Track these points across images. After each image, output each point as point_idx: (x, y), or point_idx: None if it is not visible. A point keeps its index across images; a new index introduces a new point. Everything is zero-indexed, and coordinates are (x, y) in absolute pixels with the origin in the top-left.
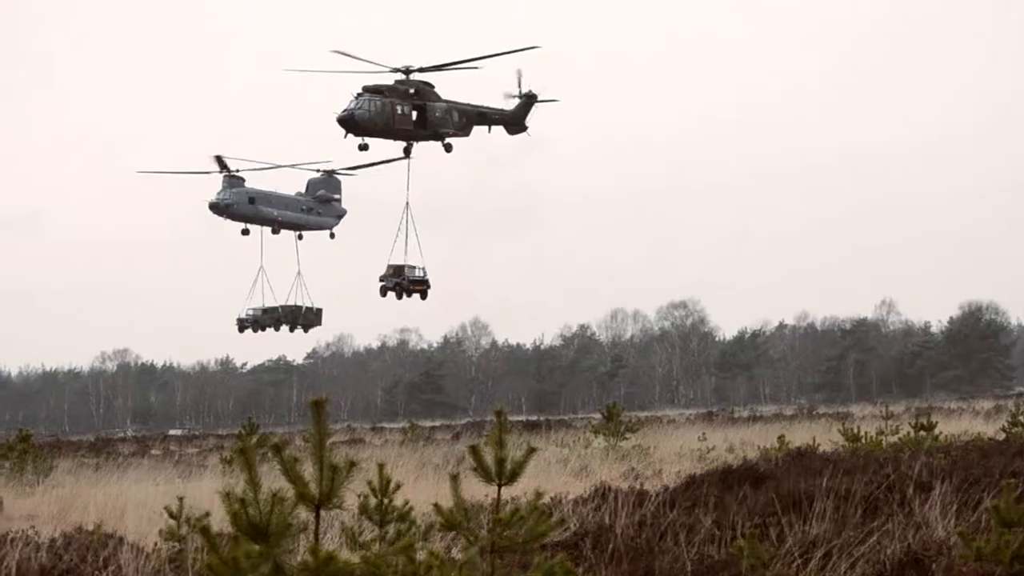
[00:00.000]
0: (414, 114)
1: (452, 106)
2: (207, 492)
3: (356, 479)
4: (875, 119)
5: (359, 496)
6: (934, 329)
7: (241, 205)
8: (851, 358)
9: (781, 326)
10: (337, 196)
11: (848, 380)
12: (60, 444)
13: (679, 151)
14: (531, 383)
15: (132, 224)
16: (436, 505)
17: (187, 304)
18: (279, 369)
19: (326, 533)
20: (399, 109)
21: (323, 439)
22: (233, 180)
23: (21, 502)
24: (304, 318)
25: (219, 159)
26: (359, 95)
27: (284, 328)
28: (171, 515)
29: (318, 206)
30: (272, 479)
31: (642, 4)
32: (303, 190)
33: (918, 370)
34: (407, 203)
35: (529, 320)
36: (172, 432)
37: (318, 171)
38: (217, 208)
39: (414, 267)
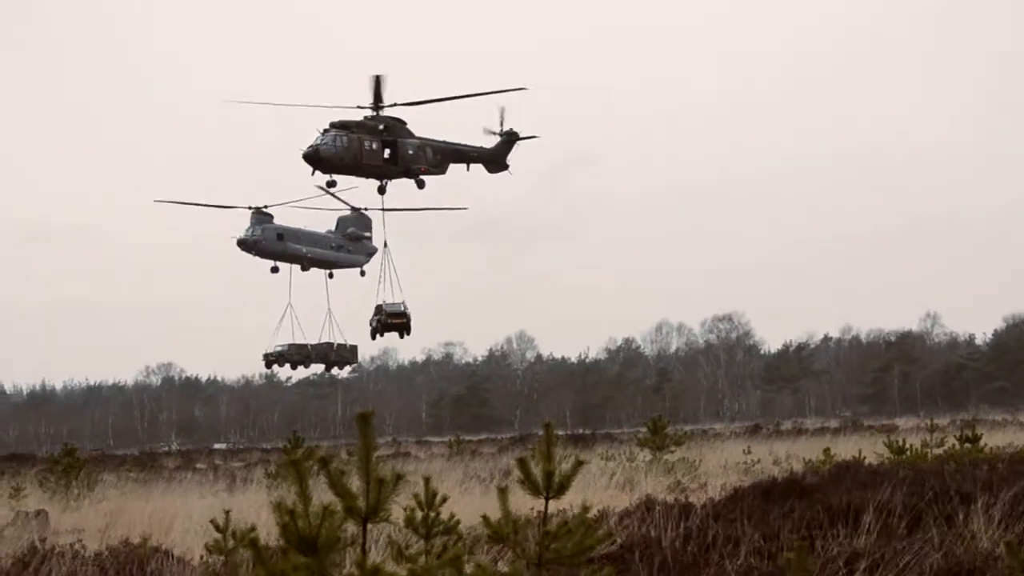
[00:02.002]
0: (385, 151)
1: (426, 143)
2: (252, 506)
3: (402, 492)
4: (917, 132)
5: (405, 509)
6: (978, 341)
7: (269, 242)
8: (896, 371)
9: (826, 339)
10: (368, 234)
11: (893, 393)
12: (105, 458)
13: (724, 163)
14: (576, 396)
15: (177, 238)
16: (484, 517)
17: (232, 318)
18: (324, 383)
19: (373, 546)
20: (367, 145)
21: (370, 452)
22: (261, 216)
23: (67, 516)
24: (337, 354)
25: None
26: (326, 131)
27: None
28: (217, 528)
29: (348, 244)
30: (318, 492)
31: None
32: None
33: (963, 382)
34: (384, 243)
35: (574, 333)
36: (217, 446)
37: (349, 208)
38: (245, 245)
39: (394, 303)
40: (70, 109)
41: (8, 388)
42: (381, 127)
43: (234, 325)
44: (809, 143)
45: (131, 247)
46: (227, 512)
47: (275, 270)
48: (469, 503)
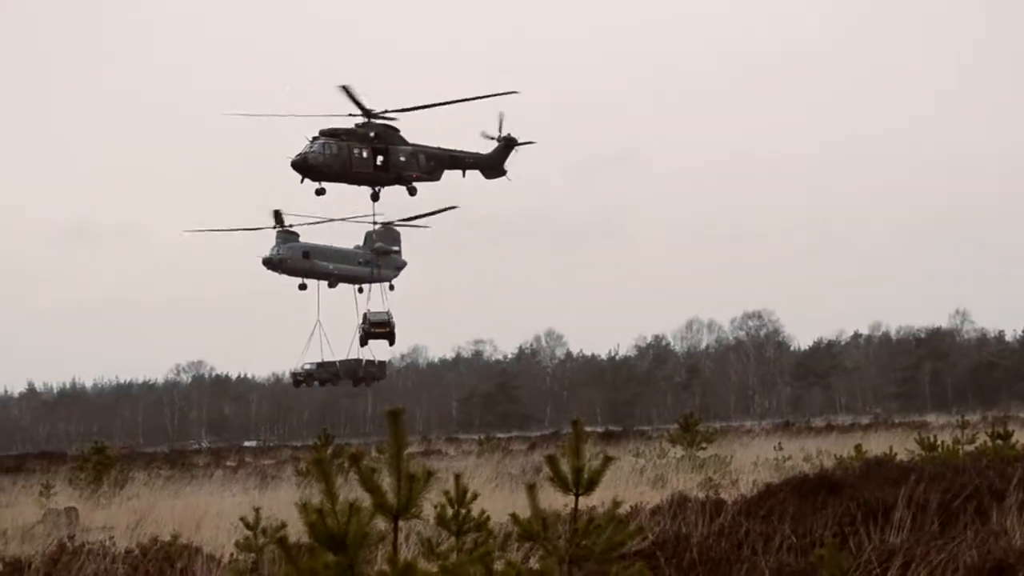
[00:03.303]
0: (378, 158)
1: (418, 150)
2: (283, 503)
3: (433, 489)
4: (950, 132)
5: (436, 506)
6: (1008, 338)
7: (296, 260)
8: (926, 367)
9: (856, 336)
10: (396, 248)
11: (923, 389)
12: (135, 456)
13: (753, 161)
14: (606, 394)
15: (207, 236)
16: (513, 515)
17: (262, 316)
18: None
19: (403, 544)
20: (357, 152)
21: (401, 449)
22: (287, 235)
23: (97, 514)
24: (365, 371)
25: (277, 214)
26: (315, 139)
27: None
28: (247, 526)
29: (376, 258)
30: (348, 490)
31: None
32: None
33: (994, 379)
34: (374, 250)
35: (604, 330)
36: (247, 444)
37: (376, 223)
38: (271, 263)
39: (379, 312)
40: (113, 110)
41: (39, 386)
42: (372, 134)
43: (264, 323)
44: (839, 139)
45: (161, 246)
46: (257, 510)
47: (303, 287)
48: (500, 500)
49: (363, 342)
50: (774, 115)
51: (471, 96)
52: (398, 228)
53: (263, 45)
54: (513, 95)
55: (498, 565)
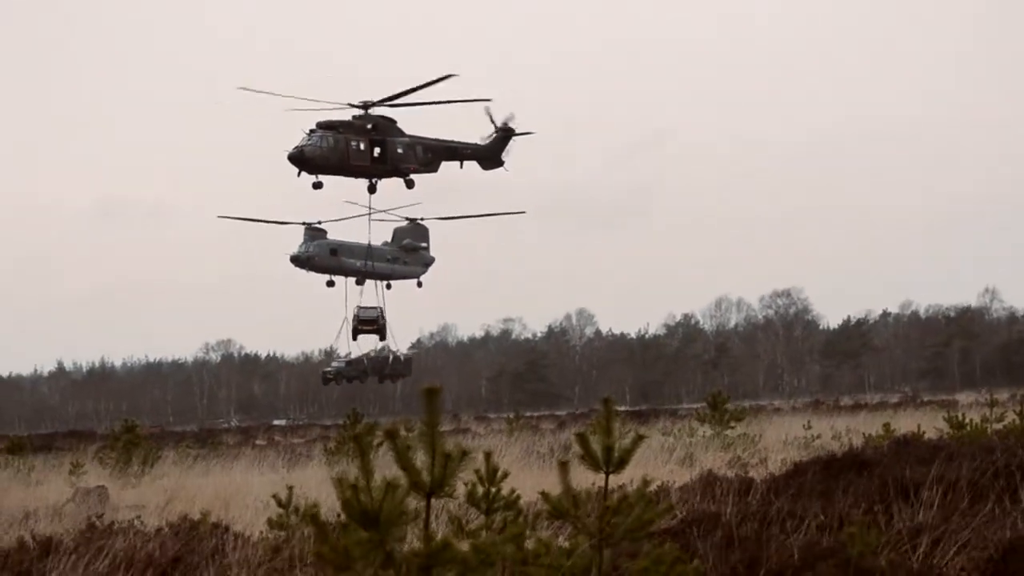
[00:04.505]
0: (376, 150)
1: (416, 141)
2: (312, 482)
3: (464, 468)
4: (982, 109)
5: (466, 484)
6: None
7: (323, 257)
8: (955, 346)
9: (885, 314)
10: (424, 244)
11: (952, 368)
12: (164, 435)
13: (783, 139)
14: (635, 372)
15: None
16: (544, 493)
17: (291, 295)
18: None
19: (434, 521)
20: (354, 145)
21: (435, 427)
22: (315, 232)
23: (127, 493)
24: (391, 368)
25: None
26: (312, 131)
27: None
28: (279, 504)
29: (404, 255)
30: (378, 468)
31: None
32: (389, 239)
33: (1023, 357)
34: (368, 244)
35: (633, 309)
36: (276, 422)
37: (404, 219)
38: (298, 261)
39: (370, 308)
40: (141, 88)
41: (68, 365)
42: (369, 126)
43: (294, 302)
44: (869, 116)
45: (190, 224)
46: (289, 488)
47: (331, 284)
48: (529, 478)
49: (354, 336)
50: (803, 92)
51: (447, 99)
52: (426, 224)
53: (295, 43)
54: (486, 101)
55: (528, 543)
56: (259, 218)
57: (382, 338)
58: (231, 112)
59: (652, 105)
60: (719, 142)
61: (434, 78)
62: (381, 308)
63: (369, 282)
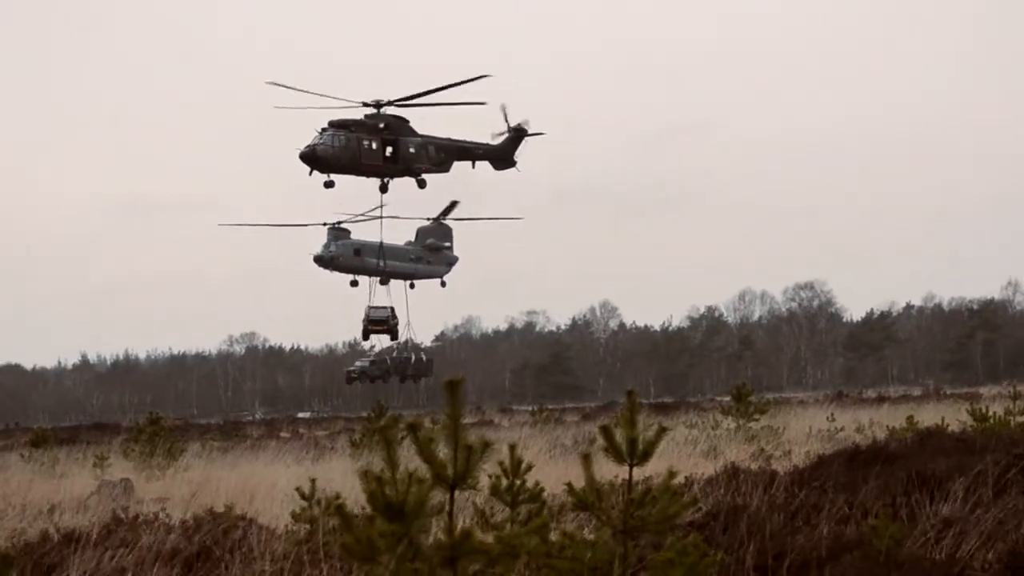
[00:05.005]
0: (387, 149)
1: (428, 141)
2: (337, 474)
3: (488, 460)
4: (1005, 103)
5: (490, 477)
6: None
7: (347, 258)
8: (978, 339)
9: (908, 307)
10: (448, 244)
11: (976, 361)
12: (189, 427)
13: (807, 132)
14: (659, 365)
15: (262, 210)
16: (569, 485)
17: (315, 287)
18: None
19: (458, 514)
20: (366, 144)
21: (458, 419)
22: (338, 232)
23: (151, 485)
24: (414, 368)
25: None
26: (323, 130)
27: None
28: (303, 496)
29: (428, 255)
30: (402, 460)
31: None
32: (412, 238)
33: None
34: (380, 243)
35: (657, 301)
36: (301, 415)
37: (428, 219)
38: (322, 261)
39: (380, 308)
40: (167, 83)
41: (93, 358)
42: (381, 125)
43: (318, 294)
44: (894, 109)
45: (213, 218)
46: (313, 480)
47: (354, 284)
48: (553, 471)
49: (364, 336)
50: (830, 87)
51: (446, 84)
52: (450, 224)
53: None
54: (485, 78)
55: (553, 536)
56: (261, 223)
57: (393, 338)
58: (256, 108)
59: (680, 97)
60: (744, 135)
61: (467, 78)
62: (392, 308)
63: (381, 281)
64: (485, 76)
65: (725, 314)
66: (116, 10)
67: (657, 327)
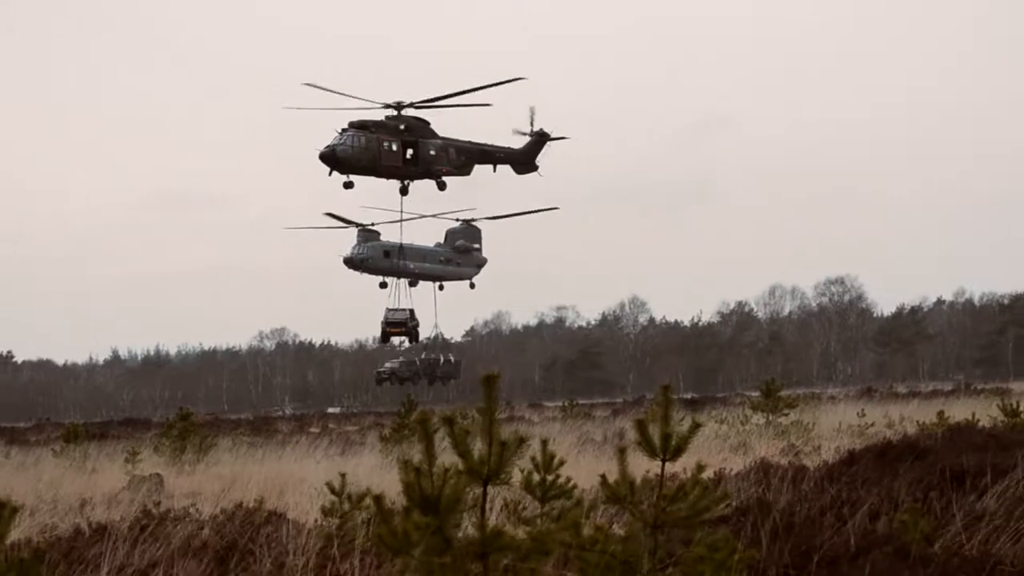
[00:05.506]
0: (408, 151)
1: (449, 143)
2: (367, 469)
3: (521, 456)
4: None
5: (522, 472)
6: None
7: (376, 259)
8: (1010, 334)
9: (939, 302)
10: (477, 245)
11: (1007, 356)
12: (219, 423)
13: (835, 125)
14: (689, 360)
15: (292, 207)
16: (602, 477)
17: (345, 283)
18: (437, 348)
19: (490, 508)
20: (386, 145)
21: (492, 414)
22: (368, 234)
23: (182, 480)
24: (442, 370)
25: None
26: (344, 131)
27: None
28: (333, 491)
29: (457, 256)
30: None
31: None
32: (442, 240)
33: None
34: (400, 245)
35: (687, 297)
36: (330, 410)
37: (457, 220)
38: (352, 263)
39: (399, 310)
40: (198, 82)
41: (123, 353)
42: (402, 127)
43: (348, 290)
44: (924, 102)
45: (244, 214)
46: (343, 475)
47: (383, 285)
48: (583, 466)
49: (384, 339)
50: (858, 79)
51: (481, 85)
52: (479, 225)
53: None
54: (520, 80)
55: (584, 530)
56: (310, 226)
57: (411, 340)
58: (286, 104)
59: (707, 90)
60: (775, 129)
61: (503, 79)
62: (411, 311)
63: (400, 284)
64: (520, 79)
65: (755, 309)
66: (142, 9)
67: (687, 322)
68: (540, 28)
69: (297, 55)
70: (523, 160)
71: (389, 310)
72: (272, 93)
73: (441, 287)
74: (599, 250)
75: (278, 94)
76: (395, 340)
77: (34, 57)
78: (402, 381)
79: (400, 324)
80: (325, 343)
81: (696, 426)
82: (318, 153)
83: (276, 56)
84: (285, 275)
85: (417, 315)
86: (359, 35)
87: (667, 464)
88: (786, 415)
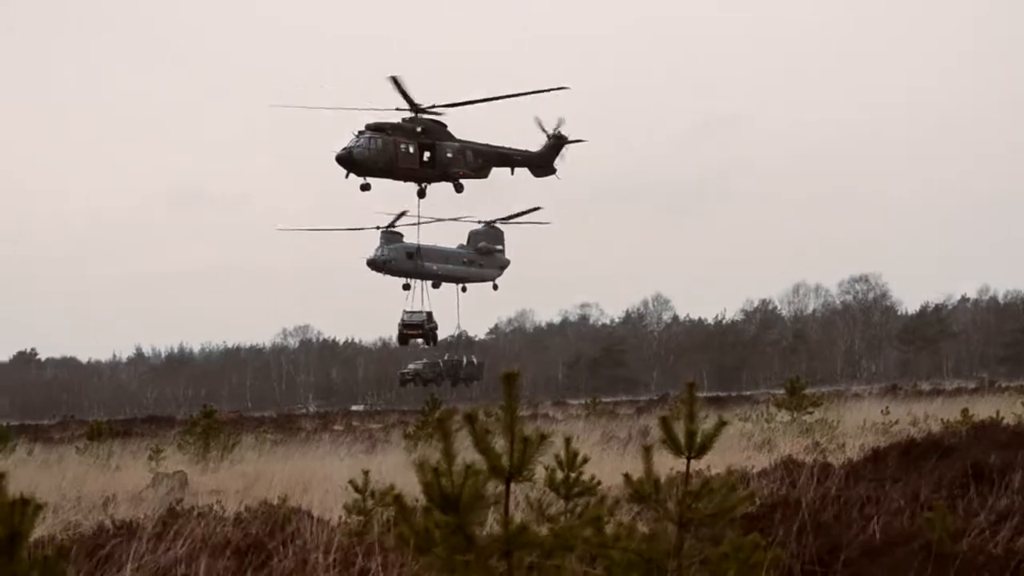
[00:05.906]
0: (425, 154)
1: (466, 146)
2: (391, 467)
3: (544, 453)
4: None
5: (546, 469)
6: None
7: (400, 261)
8: None
9: (963, 299)
10: (499, 247)
11: None
12: (243, 420)
13: (859, 123)
14: (713, 358)
15: (315, 205)
16: (626, 475)
17: (369, 280)
18: (461, 345)
19: (514, 506)
20: (403, 148)
21: (514, 412)
22: (391, 236)
23: (206, 478)
24: (465, 371)
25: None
26: (360, 132)
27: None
28: (356, 489)
29: (479, 258)
30: (456, 453)
31: None
32: (464, 241)
33: None
34: (418, 248)
35: (711, 295)
36: (354, 408)
37: (480, 222)
38: (375, 264)
39: (416, 312)
40: (198, 82)
41: (147, 351)
42: (419, 129)
43: (371, 287)
44: (945, 99)
45: (268, 212)
46: (366, 473)
47: (407, 287)
48: (607, 464)
49: (401, 341)
50: (881, 75)
51: (520, 92)
52: (501, 227)
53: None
54: (563, 90)
55: (608, 528)
56: (327, 228)
57: (428, 343)
58: (286, 104)
59: (731, 85)
60: (797, 126)
61: (546, 87)
62: (429, 313)
63: (417, 285)
64: (564, 87)
65: (779, 307)
66: (142, 9)
67: (711, 320)
68: (540, 28)
69: (297, 55)
70: (540, 163)
71: (406, 312)
72: (272, 93)
73: (464, 289)
74: (623, 248)
75: (278, 94)
76: (417, 340)
77: (34, 57)
78: (426, 383)
79: (417, 326)
80: (349, 341)
81: (722, 423)
82: (335, 155)
83: (276, 56)
84: (308, 274)
85: (437, 316)
86: (359, 35)
87: (692, 462)
88: (810, 413)
